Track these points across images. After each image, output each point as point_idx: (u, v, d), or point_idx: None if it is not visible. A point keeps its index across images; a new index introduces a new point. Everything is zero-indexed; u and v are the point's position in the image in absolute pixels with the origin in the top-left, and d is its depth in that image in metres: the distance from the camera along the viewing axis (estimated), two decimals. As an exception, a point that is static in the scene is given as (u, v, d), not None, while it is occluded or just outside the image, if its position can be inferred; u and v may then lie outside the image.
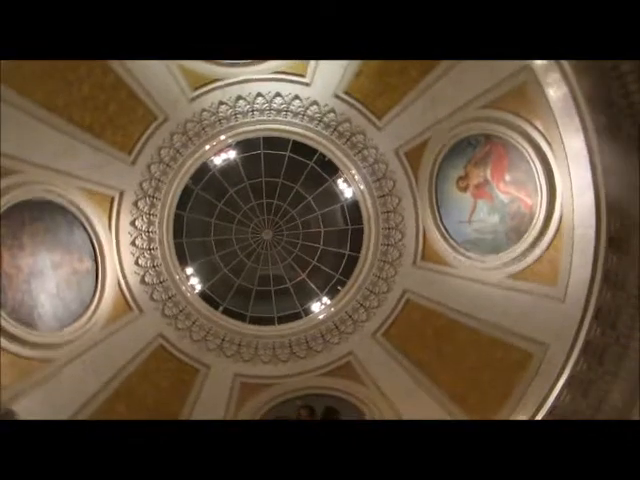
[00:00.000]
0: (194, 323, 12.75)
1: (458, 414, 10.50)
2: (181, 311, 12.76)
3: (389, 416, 11.19)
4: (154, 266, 12.61)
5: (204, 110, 12.41)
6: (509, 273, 10.90)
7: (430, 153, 11.88)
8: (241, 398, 12.14)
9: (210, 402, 11.99)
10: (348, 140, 12.86)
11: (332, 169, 13.79)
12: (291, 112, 12.74)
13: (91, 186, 11.36)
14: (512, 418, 9.45)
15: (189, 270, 13.57)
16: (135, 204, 12.28)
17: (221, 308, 13.60)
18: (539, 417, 8.91)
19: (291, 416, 11.94)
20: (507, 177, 10.74)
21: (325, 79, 11.90)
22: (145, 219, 12.47)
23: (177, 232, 13.29)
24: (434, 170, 11.98)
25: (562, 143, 9.17)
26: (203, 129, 12.61)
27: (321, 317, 13.29)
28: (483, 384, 10.53)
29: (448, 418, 10.51)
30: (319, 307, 13.68)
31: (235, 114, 12.66)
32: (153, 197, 12.48)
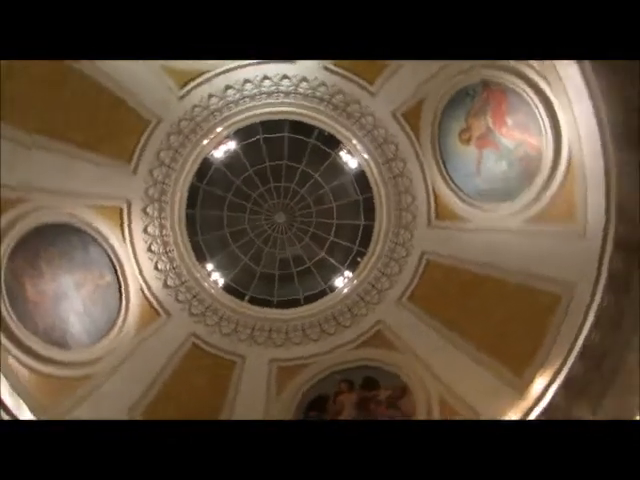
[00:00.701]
0: (222, 317, 12.92)
1: (493, 366, 10.50)
2: (208, 308, 12.92)
3: (425, 377, 11.25)
4: (174, 268, 12.76)
5: (195, 106, 12.35)
6: (526, 218, 10.72)
7: (428, 110, 11.64)
8: (280, 383, 12.32)
9: (250, 391, 12.21)
10: (344, 111, 12.65)
11: (333, 143, 13.63)
12: (282, 92, 12.57)
13: (98, 201, 11.49)
14: (545, 364, 9.39)
15: (209, 266, 13.67)
16: (144, 211, 12.37)
17: (247, 297, 13.71)
18: (571, 359, 8.84)
19: (331, 392, 12.09)
20: (509, 121, 10.48)
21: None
22: (157, 224, 12.57)
23: (191, 231, 13.33)
24: (434, 127, 11.76)
25: (560, 78, 8.87)
26: (198, 125, 12.55)
27: (346, 291, 13.31)
28: (514, 333, 10.48)
29: (482, 371, 10.54)
30: (342, 281, 13.67)
31: (227, 104, 12.56)
32: (160, 201, 12.55)
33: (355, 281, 13.25)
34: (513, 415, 9.55)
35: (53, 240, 10.75)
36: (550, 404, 9.12)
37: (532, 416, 9.18)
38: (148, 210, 12.42)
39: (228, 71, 12.11)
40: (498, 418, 9.53)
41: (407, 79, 11.51)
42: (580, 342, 8.83)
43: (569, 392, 8.79)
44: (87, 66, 10.60)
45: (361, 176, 13.66)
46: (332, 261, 14.06)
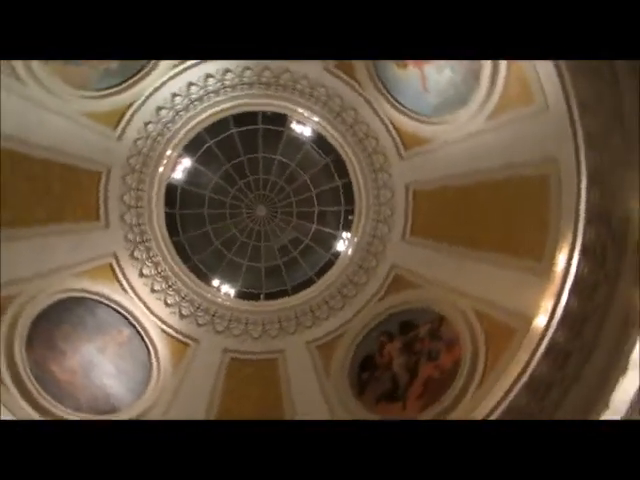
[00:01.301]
0: (247, 324, 13.01)
1: (511, 263, 10.48)
2: (230, 320, 13.01)
3: (454, 299, 11.29)
4: (183, 298, 12.81)
5: (136, 139, 12.28)
6: (487, 114, 10.62)
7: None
8: (324, 361, 12.43)
9: (301, 380, 12.30)
10: (277, 85, 12.53)
11: (282, 120, 13.56)
12: (211, 92, 12.45)
13: (85, 267, 11.49)
14: (559, 239, 9.39)
15: (215, 282, 13.73)
16: (133, 256, 12.36)
17: (262, 296, 13.79)
18: (580, 223, 8.82)
19: (375, 349, 12.21)
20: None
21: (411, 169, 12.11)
22: (149, 264, 12.58)
23: (183, 256, 13.36)
24: (369, 65, 11.62)
25: None
26: (147, 156, 12.46)
27: (350, 252, 13.33)
28: (519, 224, 10.43)
29: (503, 272, 10.60)
30: (344, 244, 13.69)
31: (165, 125, 12.46)
32: (144, 241, 12.53)
33: (355, 239, 13.26)
34: (548, 301, 9.60)
35: (60, 318, 10.84)
36: (577, 276, 9.15)
37: (564, 295, 9.22)
38: (136, 254, 12.41)
39: (153, 93, 11.97)
40: (532, 310, 9.58)
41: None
42: (583, 205, 8.79)
43: (588, 257, 8.83)
44: (20, 146, 10.56)
45: (321, 140, 13.58)
46: (326, 230, 14.08)
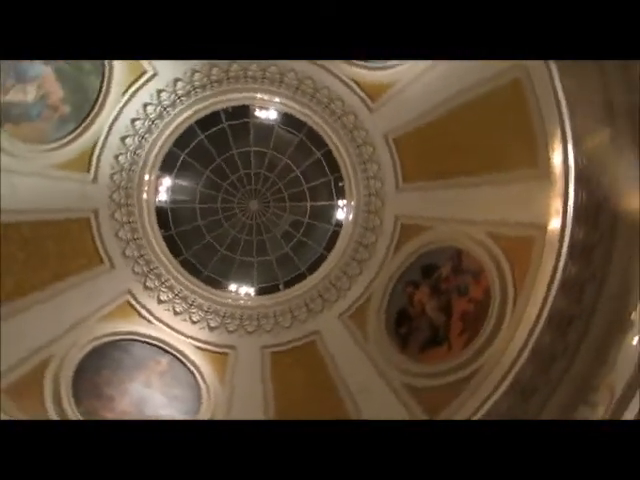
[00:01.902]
0: (275, 316, 13.06)
1: (508, 177, 10.39)
2: (258, 318, 13.07)
3: (465, 230, 11.24)
4: (207, 311, 12.87)
5: (112, 174, 12.23)
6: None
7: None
8: (360, 328, 12.46)
9: (344, 354, 12.32)
10: (230, 78, 12.42)
11: (244, 111, 13.41)
12: (180, 98, 12.32)
13: (102, 312, 11.57)
14: (549, 140, 9.26)
15: (232, 287, 13.78)
16: (146, 287, 12.41)
17: (281, 286, 13.82)
18: (565, 118, 8.65)
19: (404, 301, 12.23)
20: None
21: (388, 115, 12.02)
22: (165, 288, 12.63)
23: (194, 272, 13.37)
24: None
25: None
26: (127, 188, 12.41)
27: (351, 217, 13.27)
28: (504, 137, 10.33)
29: (504, 188, 10.50)
30: (343, 211, 13.62)
31: (134, 152, 12.39)
32: (152, 270, 12.56)
33: (352, 202, 13.19)
34: (557, 201, 9.50)
35: (98, 366, 11.03)
36: (577, 168, 9.02)
37: (571, 191, 9.11)
38: (149, 284, 12.45)
39: (113, 125, 11.87)
40: (544, 215, 9.50)
41: None
42: (562, 95, 8.58)
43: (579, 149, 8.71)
44: (4, 216, 10.56)
45: (289, 118, 13.44)
46: (321, 203, 14.01)
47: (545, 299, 9.35)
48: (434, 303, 11.76)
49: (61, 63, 10.55)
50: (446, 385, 10.59)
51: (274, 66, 12.32)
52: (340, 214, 13.63)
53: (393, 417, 10.94)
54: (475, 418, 9.72)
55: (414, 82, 11.25)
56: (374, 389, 11.63)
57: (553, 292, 9.24)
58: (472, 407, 9.79)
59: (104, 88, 11.22)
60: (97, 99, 11.28)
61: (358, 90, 12.12)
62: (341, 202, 13.61)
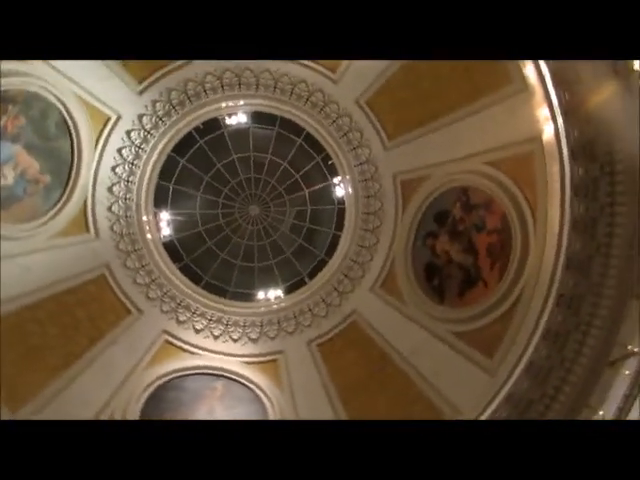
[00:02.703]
0: (310, 310, 13.13)
1: (488, 102, 10.20)
2: (296, 317, 13.15)
3: (461, 166, 11.13)
4: (244, 326, 13.00)
5: (111, 225, 12.28)
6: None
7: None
8: (393, 294, 12.41)
9: (387, 323, 12.30)
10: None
11: (214, 123, 13.37)
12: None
13: (148, 356, 11.95)
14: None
15: (261, 294, 13.84)
16: (180, 322, 12.60)
17: (306, 279, 13.86)
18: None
19: (428, 255, 12.15)
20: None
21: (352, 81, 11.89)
22: (197, 318, 12.87)
23: (219, 293, 13.54)
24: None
25: None
26: (129, 233, 12.54)
27: (351, 191, 13.23)
28: (472, 66, 10.10)
29: (489, 115, 10.31)
30: (342, 188, 13.56)
31: (125, 198, 12.44)
32: (180, 304, 12.72)
33: (347, 176, 13.13)
34: (542, 109, 9.31)
35: (159, 411, 11.46)
36: (552, 72, 8.85)
37: (552, 95, 8.90)
38: (181, 318, 12.68)
39: (96, 179, 12.00)
40: (534, 127, 9.31)
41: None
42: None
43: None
44: (26, 299, 10.79)
45: (259, 115, 13.42)
46: (318, 186, 13.97)
47: (562, 204, 9.19)
48: (457, 247, 11.68)
49: (29, 136, 10.61)
50: (494, 321, 10.52)
51: (228, 71, 12.22)
52: (339, 191, 13.60)
53: (452, 368, 10.93)
54: (532, 342, 9.62)
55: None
56: (425, 347, 11.62)
57: (568, 195, 9.09)
58: (526, 334, 9.70)
59: (75, 147, 11.29)
60: (72, 159, 11.35)
61: (317, 67, 12.02)
62: (336, 179, 13.56)
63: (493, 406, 9.63)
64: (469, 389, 10.33)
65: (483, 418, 9.75)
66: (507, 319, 10.32)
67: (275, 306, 13.48)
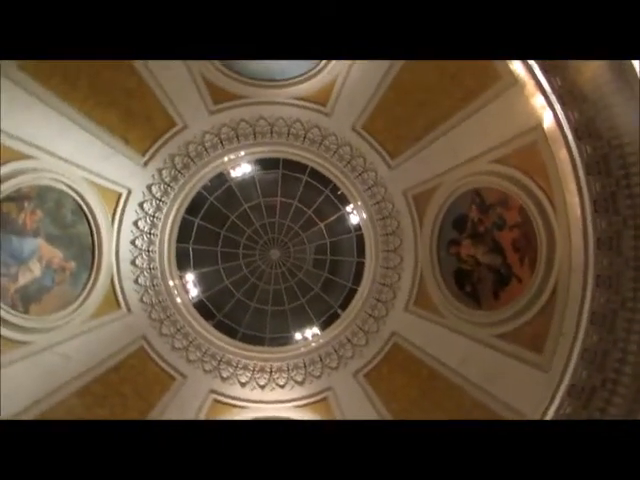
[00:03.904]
0: (349, 341, 13.07)
1: (483, 102, 10.28)
2: (336, 351, 13.09)
3: (469, 169, 11.16)
4: (289, 370, 12.94)
5: (141, 297, 12.45)
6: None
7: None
8: (428, 308, 12.35)
9: (430, 339, 12.21)
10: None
11: (219, 178, 13.63)
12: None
13: (200, 417, 11.72)
14: None
15: (297, 335, 13.80)
16: (224, 378, 12.59)
17: (339, 310, 13.80)
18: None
19: (454, 263, 12.10)
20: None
21: (345, 111, 12.07)
22: (240, 371, 12.84)
23: (258, 341, 13.48)
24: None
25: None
26: (160, 302, 12.68)
27: (365, 216, 13.30)
28: (458, 71, 10.29)
29: (485, 113, 10.38)
30: (356, 215, 13.64)
31: (150, 268, 12.63)
32: (221, 361, 12.74)
33: (358, 202, 13.22)
34: (537, 99, 9.34)
35: None
36: (541, 64, 8.94)
37: (545, 84, 8.94)
38: (224, 375, 12.71)
39: (118, 256, 12.23)
40: (534, 117, 9.35)
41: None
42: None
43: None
44: (76, 384, 10.87)
45: (262, 162, 13.65)
46: (333, 218, 14.07)
47: (578, 186, 9.11)
48: (482, 249, 11.60)
49: (48, 228, 10.92)
50: (536, 315, 10.33)
51: (225, 126, 12.52)
52: (354, 218, 13.69)
53: (504, 371, 10.71)
54: (581, 328, 9.41)
55: (350, 69, 11.37)
56: (472, 355, 11.43)
57: (582, 176, 9.03)
58: (572, 322, 9.50)
59: (93, 229, 11.57)
60: (93, 242, 11.62)
61: (308, 104, 12.29)
62: (349, 208, 13.67)
63: (556, 402, 9.37)
64: (526, 389, 10.07)
65: (548, 417, 9.48)
66: (549, 310, 10.13)
67: (314, 344, 13.43)
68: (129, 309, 12.22)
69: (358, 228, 13.64)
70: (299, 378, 12.86)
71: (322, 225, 14.05)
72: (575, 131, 8.90)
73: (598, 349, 8.94)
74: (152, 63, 10.75)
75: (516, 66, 9.23)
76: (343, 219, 13.90)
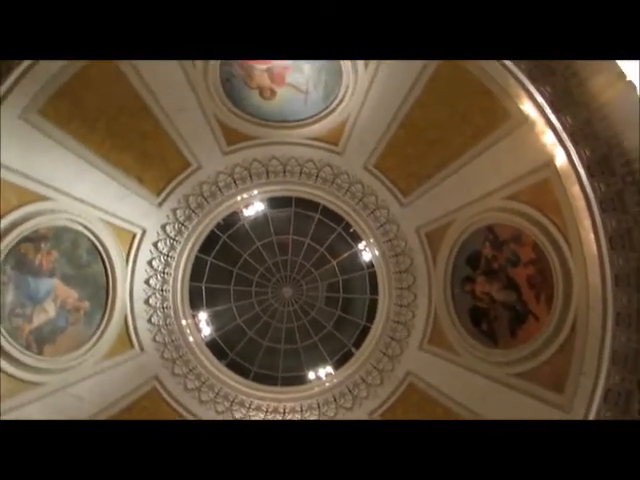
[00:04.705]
0: (369, 374, 12.87)
1: (493, 140, 10.35)
2: (350, 391, 12.88)
3: (483, 204, 11.19)
4: (301, 411, 12.71)
5: (154, 337, 12.42)
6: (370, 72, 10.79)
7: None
8: (444, 349, 12.15)
9: (444, 379, 12.06)
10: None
11: (232, 218, 13.73)
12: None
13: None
14: (512, 97, 9.34)
15: (321, 372, 13.63)
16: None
17: (352, 348, 13.64)
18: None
19: (470, 301, 11.98)
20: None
21: (356, 149, 12.17)
22: (253, 411, 12.68)
23: (271, 381, 13.31)
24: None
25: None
26: (172, 341, 12.63)
27: (377, 253, 13.29)
28: (468, 111, 10.37)
29: (496, 150, 10.48)
30: (369, 252, 13.62)
31: (163, 307, 12.64)
32: (232, 402, 12.57)
33: (371, 239, 13.23)
34: (549, 136, 9.42)
35: None
36: (550, 103, 9.03)
37: (554, 120, 9.04)
38: (237, 415, 12.44)
39: (132, 295, 12.27)
40: (544, 154, 9.40)
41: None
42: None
43: (542, 79, 8.73)
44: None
45: (273, 200, 13.76)
46: (345, 255, 14.06)
47: (593, 223, 9.07)
48: (497, 286, 11.49)
49: (64, 268, 11.01)
50: (555, 354, 10.13)
51: (238, 166, 12.69)
52: (366, 256, 13.66)
53: (522, 411, 10.43)
54: (602, 368, 9.18)
55: (362, 108, 11.49)
56: (490, 395, 11.19)
57: (597, 213, 9.00)
58: (592, 361, 9.29)
59: (108, 269, 11.66)
60: (107, 281, 11.69)
61: (319, 144, 12.42)
62: (361, 245, 13.66)
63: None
64: (547, 431, 9.80)
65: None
66: (568, 349, 9.93)
67: (328, 384, 13.23)
68: (142, 349, 12.18)
69: (371, 265, 13.60)
70: (313, 419, 12.63)
71: (334, 262, 14.02)
72: (588, 168, 8.91)
73: (621, 389, 8.72)
74: (168, 105, 10.95)
75: (526, 105, 9.33)
76: (355, 256, 13.87)
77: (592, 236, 9.11)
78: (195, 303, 13.44)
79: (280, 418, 12.57)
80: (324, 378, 13.47)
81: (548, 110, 8.87)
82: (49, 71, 9.07)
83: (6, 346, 9.86)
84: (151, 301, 12.45)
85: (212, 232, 13.40)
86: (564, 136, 8.99)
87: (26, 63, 8.60)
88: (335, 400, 12.75)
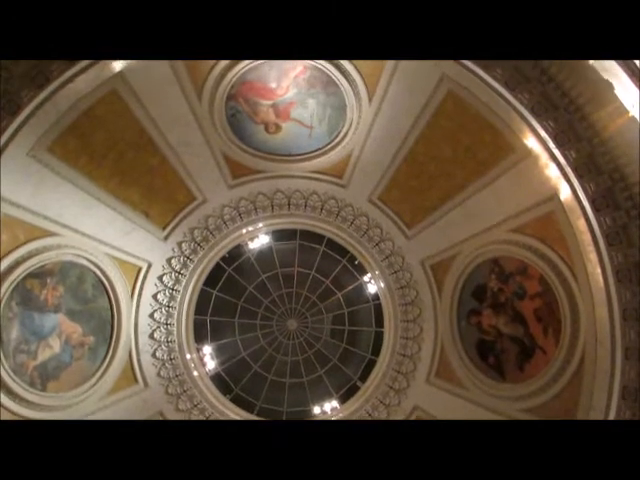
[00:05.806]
0: (371, 415, 12.65)
1: (497, 173, 10.34)
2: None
3: (488, 237, 11.19)
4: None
5: (158, 372, 12.31)
6: (373, 106, 10.95)
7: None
8: (451, 382, 11.99)
9: (452, 414, 11.89)
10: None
11: (237, 250, 13.76)
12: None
13: None
14: (516, 132, 9.43)
15: (316, 409, 13.43)
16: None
17: (358, 382, 13.48)
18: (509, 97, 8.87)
19: (477, 334, 11.87)
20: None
21: (361, 183, 12.23)
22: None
23: (274, 414, 13.12)
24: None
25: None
26: (176, 376, 12.53)
27: (383, 285, 13.24)
28: (472, 144, 10.45)
29: (500, 184, 10.48)
30: (374, 284, 13.58)
31: (167, 341, 12.58)
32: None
33: (376, 271, 13.22)
34: (551, 169, 9.43)
35: None
36: (554, 138, 9.09)
37: (557, 153, 9.09)
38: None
39: (137, 328, 12.24)
40: (548, 187, 9.41)
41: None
42: (500, 89, 8.91)
43: (545, 113, 8.83)
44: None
45: (277, 233, 13.80)
46: (351, 287, 14.02)
47: (599, 256, 9.03)
48: (503, 319, 11.40)
49: (69, 303, 11.00)
50: (563, 388, 9.99)
51: (243, 199, 12.76)
52: (372, 288, 13.62)
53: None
54: (612, 403, 9.04)
55: (366, 142, 11.60)
56: (500, 430, 10.97)
57: (602, 247, 8.97)
58: (602, 396, 9.14)
59: (113, 303, 11.64)
60: (112, 315, 11.67)
61: (324, 177, 12.52)
62: (366, 277, 13.64)
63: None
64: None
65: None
66: (576, 384, 9.79)
67: (333, 418, 13.03)
68: (146, 384, 12.07)
69: (376, 297, 13.55)
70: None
71: (340, 295, 13.97)
72: (593, 202, 8.92)
73: (632, 426, 8.54)
74: (174, 140, 11.08)
75: (529, 140, 9.40)
76: (361, 288, 13.83)
77: (599, 270, 9.05)
78: (200, 336, 13.38)
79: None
80: (329, 412, 13.28)
81: (551, 144, 8.93)
82: (58, 109, 9.22)
83: (10, 383, 9.79)
84: (156, 335, 12.39)
85: (217, 265, 13.42)
86: (568, 170, 9.02)
87: (35, 102, 8.74)
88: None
